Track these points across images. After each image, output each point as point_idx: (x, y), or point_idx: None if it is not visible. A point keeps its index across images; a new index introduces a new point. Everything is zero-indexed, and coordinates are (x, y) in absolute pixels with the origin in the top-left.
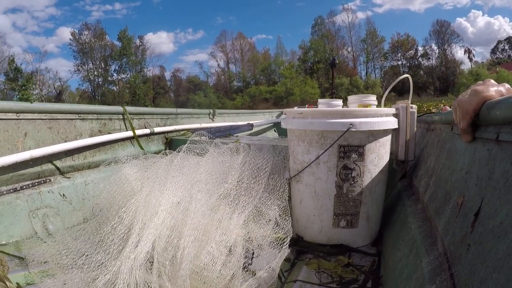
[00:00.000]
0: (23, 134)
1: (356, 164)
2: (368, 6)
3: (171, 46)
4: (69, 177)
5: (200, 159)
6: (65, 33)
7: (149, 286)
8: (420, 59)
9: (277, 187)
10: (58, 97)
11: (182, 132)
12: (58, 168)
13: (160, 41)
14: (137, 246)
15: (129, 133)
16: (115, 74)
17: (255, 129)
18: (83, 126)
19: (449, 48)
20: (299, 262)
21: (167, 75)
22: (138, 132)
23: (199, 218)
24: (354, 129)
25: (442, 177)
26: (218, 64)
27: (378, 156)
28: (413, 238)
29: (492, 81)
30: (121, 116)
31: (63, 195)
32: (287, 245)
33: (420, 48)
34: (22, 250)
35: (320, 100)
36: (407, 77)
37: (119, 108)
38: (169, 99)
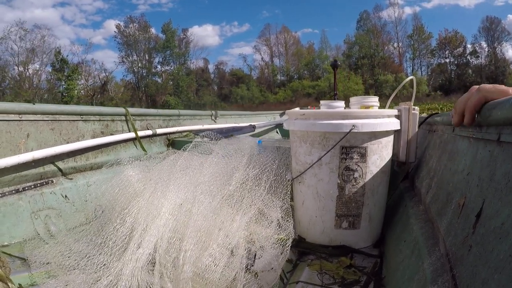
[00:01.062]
0: (25, 135)
1: (358, 165)
2: (416, 1)
3: (217, 39)
4: (71, 179)
5: (204, 160)
6: (112, 25)
7: (151, 287)
8: (468, 57)
9: (280, 189)
10: (102, 88)
11: (184, 134)
12: (60, 170)
13: (205, 34)
14: (139, 247)
15: (132, 135)
16: (158, 66)
17: (257, 131)
18: (86, 127)
19: (499, 47)
20: (301, 263)
21: (211, 67)
22: (141, 133)
23: (202, 220)
24: (356, 130)
25: (443, 178)
26: (262, 58)
27: (380, 157)
28: (415, 240)
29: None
30: (123, 118)
31: (66, 196)
32: (289, 246)
33: (468, 46)
34: (24, 251)
35: (322, 102)
36: (412, 79)
37: (121, 110)
38: (212, 91)
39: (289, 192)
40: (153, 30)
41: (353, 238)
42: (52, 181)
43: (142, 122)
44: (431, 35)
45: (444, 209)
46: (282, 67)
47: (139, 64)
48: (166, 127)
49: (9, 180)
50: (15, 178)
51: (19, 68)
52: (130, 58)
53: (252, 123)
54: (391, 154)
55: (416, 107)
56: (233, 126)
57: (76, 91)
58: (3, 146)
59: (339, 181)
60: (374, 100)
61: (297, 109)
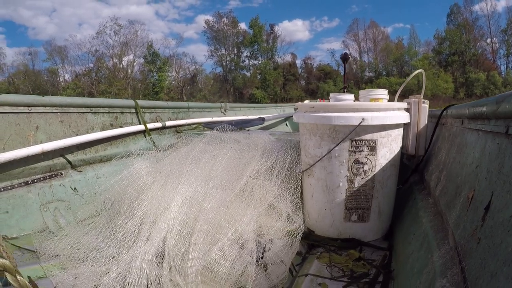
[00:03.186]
0: (34, 127)
1: (368, 159)
2: None
3: (307, 34)
4: (80, 171)
5: (217, 153)
6: (203, 20)
7: (159, 280)
8: None
9: (290, 182)
10: (192, 80)
11: (193, 126)
12: (69, 162)
13: (295, 28)
14: (148, 240)
15: (141, 127)
16: (246, 60)
17: (266, 123)
18: (95, 120)
19: None
20: (310, 256)
21: (298, 62)
22: (150, 125)
23: (213, 214)
24: (366, 123)
25: (452, 171)
26: (350, 53)
27: (390, 150)
28: (424, 232)
29: None
30: (133, 110)
31: (75, 188)
32: (299, 239)
33: None
34: (33, 243)
35: (331, 94)
36: (421, 72)
37: (130, 102)
38: (298, 86)
39: (299, 187)
40: (242, 25)
41: (362, 231)
42: (61, 174)
43: (151, 115)
44: None
45: (453, 202)
46: (370, 63)
47: (228, 58)
48: (176, 119)
49: (18, 172)
50: (24, 170)
51: (114, 60)
52: (219, 52)
53: (262, 116)
54: (400, 147)
55: (426, 101)
56: (242, 119)
57: (166, 82)
58: (12, 139)
59: (348, 174)
60: (383, 92)
61: (306, 101)
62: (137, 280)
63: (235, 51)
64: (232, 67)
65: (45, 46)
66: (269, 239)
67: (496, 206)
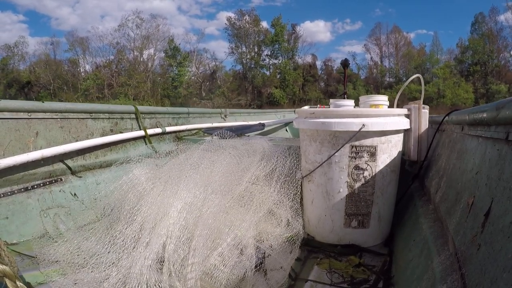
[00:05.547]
0: (34, 133)
1: (368, 165)
2: None
3: (328, 35)
4: (80, 177)
5: (216, 159)
6: (225, 17)
7: (159, 286)
8: None
9: (289, 188)
10: (211, 76)
11: (194, 132)
12: (69, 168)
13: (317, 29)
14: (147, 246)
15: (141, 133)
16: (266, 59)
17: (266, 129)
18: (95, 125)
19: None
20: (310, 262)
21: (319, 64)
22: (150, 131)
23: (212, 220)
24: (366, 129)
25: (453, 177)
26: (371, 57)
27: (390, 156)
28: (424, 239)
29: None
30: (133, 115)
31: (75, 194)
32: (298, 245)
33: None
34: (33, 249)
35: (331, 100)
36: (419, 77)
37: (130, 108)
38: (318, 87)
39: (299, 192)
40: (263, 24)
41: (362, 237)
42: (61, 179)
43: (151, 120)
44: None
45: (453, 208)
46: (391, 68)
47: (248, 56)
48: (176, 125)
49: (18, 178)
50: (24, 176)
51: (134, 53)
52: (240, 49)
53: (262, 121)
54: (401, 153)
55: (426, 106)
56: (242, 125)
57: (186, 77)
58: (12, 144)
59: (348, 180)
60: (383, 98)
61: (306, 107)
62: (136, 285)
63: (256, 49)
64: (252, 65)
65: (67, 37)
66: (269, 245)
67: (496, 212)
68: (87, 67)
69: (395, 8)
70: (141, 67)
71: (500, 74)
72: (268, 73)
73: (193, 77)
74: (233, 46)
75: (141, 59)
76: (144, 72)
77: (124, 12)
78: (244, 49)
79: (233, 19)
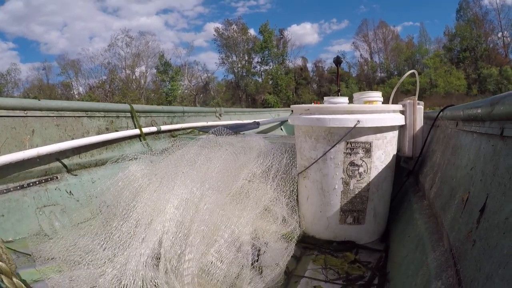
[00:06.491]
0: (30, 131)
1: (363, 161)
2: None
3: (316, 37)
4: (76, 175)
5: (212, 156)
6: (213, 28)
7: (155, 282)
8: None
9: (285, 185)
10: (204, 88)
11: (189, 130)
12: (65, 166)
13: (304, 32)
14: (143, 242)
15: (136, 131)
16: (257, 66)
17: (261, 127)
18: (91, 124)
19: None
20: (306, 259)
21: (309, 66)
22: (145, 130)
23: (209, 216)
24: (361, 125)
25: (447, 173)
26: (361, 54)
27: (385, 152)
28: (419, 235)
29: None
30: (128, 114)
31: (70, 192)
32: (294, 242)
33: None
34: (29, 247)
35: (325, 98)
36: (414, 72)
37: (126, 106)
38: (311, 89)
39: (295, 190)
40: (251, 31)
41: (357, 234)
42: (57, 177)
43: (146, 119)
44: None
45: (448, 204)
46: (381, 63)
47: (239, 65)
48: (171, 123)
49: (13, 176)
50: (20, 174)
51: (126, 71)
52: (230, 59)
53: (257, 120)
54: (396, 150)
55: (421, 102)
56: (237, 123)
57: (179, 91)
58: (8, 142)
59: (343, 176)
60: (377, 95)
61: (301, 104)
62: (132, 282)
63: (246, 58)
64: (244, 74)
65: (58, 60)
66: (265, 242)
67: (491, 208)
68: (81, 89)
69: (379, 3)
70: (134, 85)
71: (490, 57)
72: (260, 80)
73: (186, 91)
74: (223, 56)
75: (134, 77)
76: (138, 90)
77: (112, 32)
78: (234, 58)
79: (221, 30)
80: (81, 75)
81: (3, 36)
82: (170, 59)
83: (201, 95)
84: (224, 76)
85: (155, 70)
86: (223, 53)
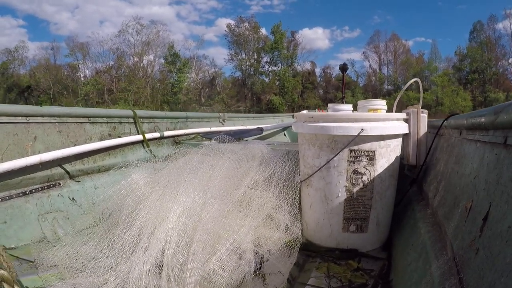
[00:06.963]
0: (32, 137)
1: (367, 169)
2: None
3: (326, 43)
4: (78, 181)
5: (215, 163)
6: (224, 24)
7: None
8: None
9: (288, 192)
10: (210, 82)
11: (192, 136)
12: (67, 172)
13: (315, 36)
14: (146, 250)
15: (139, 137)
16: (266, 66)
17: (264, 133)
18: (93, 130)
19: None
20: (309, 266)
21: (318, 71)
22: (148, 135)
23: (211, 224)
24: (365, 134)
25: (451, 181)
26: (370, 65)
27: (389, 161)
28: (422, 243)
29: None
30: (131, 120)
31: (73, 199)
32: (297, 249)
33: None
34: (31, 253)
35: (330, 105)
36: (417, 81)
37: (129, 112)
38: (316, 94)
39: (297, 197)
40: (263, 31)
41: (360, 242)
42: (60, 184)
43: (149, 125)
44: None
45: (451, 212)
46: (389, 76)
47: (247, 63)
48: (174, 129)
49: (16, 182)
50: (23, 180)
51: (135, 59)
52: (239, 56)
53: (260, 126)
54: (399, 158)
55: (425, 110)
56: (241, 129)
57: (185, 83)
58: (10, 149)
59: (347, 184)
60: (382, 103)
61: (305, 111)
62: None
63: (255, 56)
64: (251, 72)
65: (67, 42)
66: (267, 250)
67: (494, 216)
68: (87, 72)
69: (394, 15)
70: (140, 73)
71: (498, 82)
72: (267, 80)
73: (192, 83)
74: (233, 53)
75: (141, 65)
76: (144, 78)
77: (123, 18)
78: (243, 55)
79: (232, 26)
80: (89, 58)
81: (14, 13)
82: (179, 50)
83: (207, 90)
84: (232, 72)
85: (163, 60)
86: (232, 50)
